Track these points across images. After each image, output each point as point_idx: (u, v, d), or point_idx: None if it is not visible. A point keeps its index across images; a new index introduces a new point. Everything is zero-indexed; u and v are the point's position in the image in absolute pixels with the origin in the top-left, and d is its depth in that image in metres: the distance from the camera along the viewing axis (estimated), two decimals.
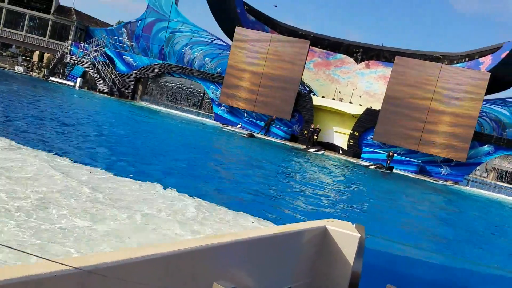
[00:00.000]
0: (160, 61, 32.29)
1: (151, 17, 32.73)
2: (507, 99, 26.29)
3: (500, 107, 26.36)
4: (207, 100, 43.79)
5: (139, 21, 33.14)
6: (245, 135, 25.92)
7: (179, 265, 2.27)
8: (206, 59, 31.96)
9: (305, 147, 25.95)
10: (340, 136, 28.87)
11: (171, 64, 32.10)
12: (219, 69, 31.45)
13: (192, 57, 32.13)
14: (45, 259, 1.69)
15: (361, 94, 30.03)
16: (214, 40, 31.92)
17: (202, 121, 30.28)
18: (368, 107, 28.09)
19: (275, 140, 26.76)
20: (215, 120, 30.99)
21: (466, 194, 22.49)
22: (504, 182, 50.50)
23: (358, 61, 31.15)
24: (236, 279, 2.77)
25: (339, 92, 30.25)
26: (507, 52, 25.01)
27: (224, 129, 27.83)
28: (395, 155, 26.01)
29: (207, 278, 2.50)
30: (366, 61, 30.98)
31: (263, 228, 3.90)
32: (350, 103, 29.05)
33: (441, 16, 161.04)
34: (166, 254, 2.17)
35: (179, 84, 43.45)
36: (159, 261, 2.12)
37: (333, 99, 29.51)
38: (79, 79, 32.78)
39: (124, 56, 32.89)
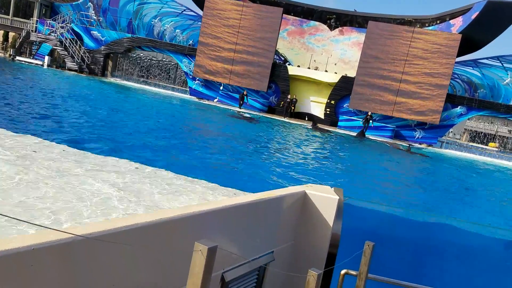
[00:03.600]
0: (129, 35, 31.33)
1: None
2: (478, 60, 26.76)
3: (471, 68, 26.85)
4: (181, 74, 43.04)
5: None
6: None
7: (159, 233, 2.25)
8: (177, 30, 31.19)
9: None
10: (317, 106, 28.98)
11: (141, 38, 31.22)
12: (191, 41, 30.78)
13: (162, 29, 31.30)
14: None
15: (336, 62, 30.04)
16: (184, 10, 31.10)
17: (177, 96, 29.80)
18: (343, 74, 28.17)
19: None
20: (190, 95, 30.56)
21: (441, 157, 23.12)
22: (477, 143, 52.14)
23: (332, 28, 30.96)
24: (219, 241, 2.79)
25: (314, 60, 30.16)
26: (478, 12, 25.27)
27: (203, 103, 27.54)
28: (371, 120, 26.17)
29: (189, 240, 2.51)
30: (340, 28, 30.84)
31: (244, 195, 3.92)
32: (326, 71, 29.06)
33: None
34: (149, 223, 2.14)
35: (151, 58, 42.49)
36: (140, 230, 2.10)
37: (309, 68, 29.44)
38: (47, 58, 31.60)
39: (91, 32, 31.77)
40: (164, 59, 42.70)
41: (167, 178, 6.64)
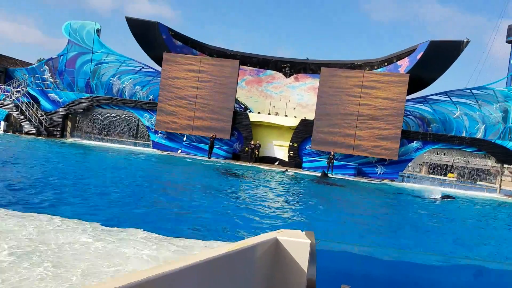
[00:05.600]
0: (88, 95, 31.18)
1: (73, 51, 31.63)
2: (428, 97, 28.33)
3: (422, 104, 28.32)
4: (142, 129, 42.78)
5: (61, 56, 31.90)
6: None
7: None
8: (136, 87, 31.37)
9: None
10: (280, 149, 29.49)
11: (100, 96, 31.12)
12: (151, 96, 30.97)
13: (122, 87, 31.39)
14: None
15: (295, 107, 30.97)
16: (143, 67, 31.48)
17: (140, 151, 29.43)
18: (303, 118, 28.99)
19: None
20: (153, 148, 30.32)
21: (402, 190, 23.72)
22: (435, 174, 54.01)
23: (287, 75, 32.18)
24: None
25: (274, 106, 30.98)
26: (422, 52, 27.07)
27: (170, 155, 27.30)
28: (334, 159, 26.83)
29: None
30: (295, 75, 32.09)
31: (215, 248, 3.86)
32: (286, 116, 29.85)
33: (359, 26, 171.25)
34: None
35: (111, 116, 42.17)
36: None
37: (269, 113, 30.16)
38: (2, 123, 30.74)
39: (48, 94, 31.38)
40: (124, 116, 42.45)
41: (136, 238, 6.46)
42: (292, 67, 32.13)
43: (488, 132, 27.08)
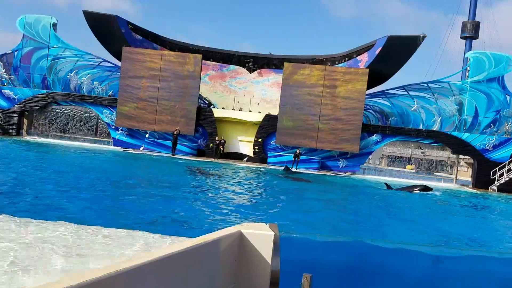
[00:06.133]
0: (44, 91, 29.99)
1: (28, 46, 30.28)
2: (387, 91, 29.15)
3: (381, 99, 29.11)
4: (102, 126, 41.67)
5: (16, 52, 30.46)
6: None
7: None
8: (95, 82, 30.46)
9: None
10: (245, 145, 29.52)
11: (57, 92, 30.00)
12: (111, 92, 30.16)
13: (79, 83, 30.40)
14: None
15: (259, 102, 31.06)
16: (101, 62, 30.59)
17: (100, 149, 28.64)
18: (267, 113, 29.14)
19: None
20: (114, 146, 29.59)
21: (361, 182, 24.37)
22: (394, 166, 55.79)
23: (251, 70, 32.21)
24: None
25: (238, 102, 30.94)
26: (380, 48, 27.79)
27: (130, 152, 26.71)
28: (300, 156, 27.21)
29: None
30: (258, 70, 32.16)
31: (178, 243, 3.83)
32: (250, 111, 29.89)
33: (320, 22, 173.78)
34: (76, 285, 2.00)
35: (69, 112, 40.75)
36: None
37: (233, 109, 30.09)
38: None
39: (3, 91, 29.93)
40: (83, 112, 41.21)
41: (99, 234, 6.31)
42: (256, 62, 32.19)
43: (444, 125, 28.20)
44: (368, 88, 27.79)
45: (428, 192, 20.29)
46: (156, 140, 28.91)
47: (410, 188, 20.90)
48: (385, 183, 21.43)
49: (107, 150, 27.39)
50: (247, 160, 28.49)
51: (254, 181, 19.13)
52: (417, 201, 17.62)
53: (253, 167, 25.54)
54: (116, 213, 8.83)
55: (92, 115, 40.67)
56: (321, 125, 27.56)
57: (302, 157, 27.39)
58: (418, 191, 20.22)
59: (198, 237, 3.36)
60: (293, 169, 26.03)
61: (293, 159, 26.94)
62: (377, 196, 17.93)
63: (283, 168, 25.50)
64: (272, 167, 26.47)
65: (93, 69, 30.52)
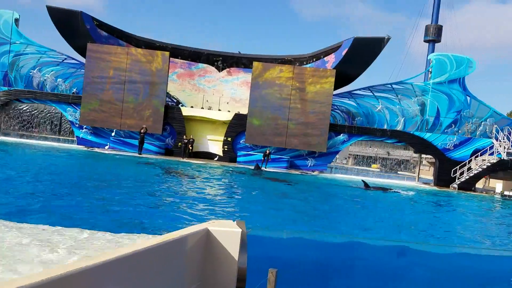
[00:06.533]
0: (6, 88, 28.85)
1: None
2: (353, 92, 29.74)
3: (347, 99, 29.66)
4: (66, 124, 40.49)
5: None
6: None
7: None
8: (58, 80, 29.54)
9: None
10: (215, 144, 29.41)
11: (19, 90, 28.93)
12: (75, 89, 29.33)
13: (42, 80, 29.40)
14: None
15: (228, 101, 30.99)
16: (66, 59, 29.70)
17: (64, 147, 27.77)
18: (236, 112, 29.12)
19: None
20: (78, 144, 28.81)
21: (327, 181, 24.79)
22: (360, 165, 57.02)
23: (220, 69, 32.08)
24: None
25: (207, 100, 30.76)
26: (347, 49, 28.31)
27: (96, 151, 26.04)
28: (270, 155, 27.32)
29: None
30: (228, 69, 32.09)
31: (144, 240, 3.78)
32: (219, 110, 29.78)
33: (289, 23, 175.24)
34: (38, 283, 1.94)
35: (32, 110, 39.38)
36: None
37: (202, 108, 29.90)
38: None
39: None
40: (46, 110, 39.95)
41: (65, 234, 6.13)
42: (225, 61, 32.09)
43: (407, 125, 29.04)
44: (335, 88, 28.26)
45: (394, 191, 20.79)
46: (122, 138, 28.35)
47: (383, 188, 21.43)
48: (363, 181, 21.94)
49: (70, 149, 26.62)
50: (217, 160, 28.38)
51: (224, 180, 19.09)
52: (391, 200, 18.09)
53: (223, 166, 25.48)
54: (74, 214, 8.60)
55: (56, 113, 39.43)
56: (290, 124, 27.82)
57: (272, 156, 27.55)
58: (391, 191, 20.72)
59: (164, 234, 3.33)
60: (263, 168, 26.15)
61: (262, 158, 27.09)
62: (351, 195, 18.27)
63: (253, 167, 25.57)
64: (242, 166, 26.50)
65: (57, 66, 29.62)
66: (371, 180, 26.75)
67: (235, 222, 4.23)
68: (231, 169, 24.50)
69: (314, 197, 16.90)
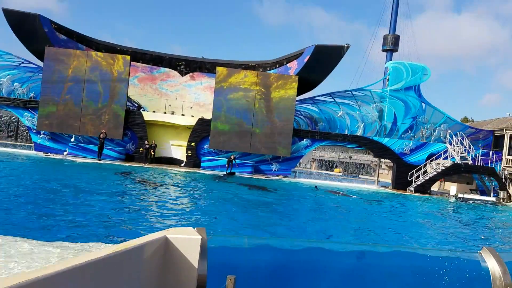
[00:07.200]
0: None
1: None
2: (315, 98, 30.29)
3: (310, 105, 30.19)
4: (23, 129, 38.90)
5: None
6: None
7: None
8: (15, 84, 28.41)
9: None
10: (178, 149, 29.09)
11: None
12: (32, 94, 28.28)
13: None
14: None
15: (191, 106, 30.79)
16: (22, 63, 28.63)
17: (20, 153, 26.65)
18: (200, 117, 28.97)
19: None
20: (35, 150, 27.74)
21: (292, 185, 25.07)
22: (323, 169, 58.02)
23: (183, 73, 31.85)
24: None
25: (170, 105, 30.43)
26: (308, 56, 28.83)
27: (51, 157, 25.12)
28: (234, 161, 27.29)
29: None
30: (191, 73, 31.90)
31: (97, 250, 3.69)
32: (182, 115, 29.52)
33: (251, 29, 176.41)
34: None
35: None
36: None
37: (165, 112, 29.54)
38: None
39: None
40: (2, 115, 38.34)
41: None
42: (188, 66, 31.90)
43: (366, 130, 29.87)
44: (298, 94, 28.69)
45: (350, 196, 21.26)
46: (81, 144, 27.55)
47: (335, 191, 21.89)
48: (315, 186, 22.27)
49: (26, 155, 25.60)
50: (183, 165, 27.99)
51: (189, 186, 18.90)
52: (344, 203, 18.49)
53: (186, 172, 25.23)
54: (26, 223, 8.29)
55: (12, 118, 37.89)
56: (255, 128, 27.95)
57: (237, 161, 27.54)
58: (341, 194, 21.18)
59: (120, 243, 3.28)
60: (226, 173, 26.10)
61: (226, 164, 26.98)
62: (310, 198, 18.54)
63: (224, 173, 25.56)
64: (206, 172, 26.33)
65: (13, 70, 28.51)
66: (333, 184, 27.29)
67: (195, 229, 4.22)
68: (195, 175, 24.29)
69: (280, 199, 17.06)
